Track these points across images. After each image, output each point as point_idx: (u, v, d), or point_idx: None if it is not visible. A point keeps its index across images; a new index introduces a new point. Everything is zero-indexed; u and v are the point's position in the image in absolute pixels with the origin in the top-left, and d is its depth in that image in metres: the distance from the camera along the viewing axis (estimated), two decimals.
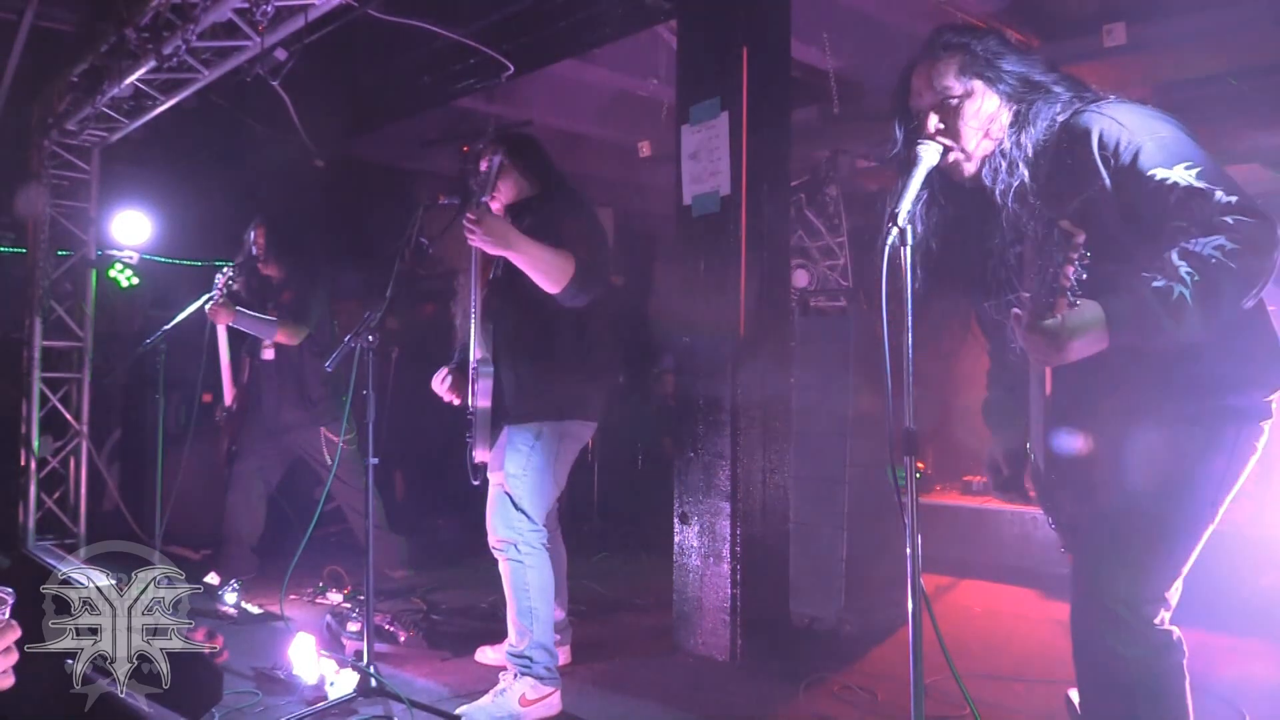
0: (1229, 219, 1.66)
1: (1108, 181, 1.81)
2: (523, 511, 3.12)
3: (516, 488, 3.13)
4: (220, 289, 4.63)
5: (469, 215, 2.90)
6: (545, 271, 2.98)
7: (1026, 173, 1.92)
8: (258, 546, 4.99)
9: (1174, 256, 1.66)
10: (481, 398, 3.13)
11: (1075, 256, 1.63)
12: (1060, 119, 1.91)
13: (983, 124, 1.99)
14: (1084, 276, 1.64)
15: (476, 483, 3.23)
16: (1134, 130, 1.81)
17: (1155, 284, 1.66)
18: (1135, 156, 1.78)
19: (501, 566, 3.19)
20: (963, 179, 2.03)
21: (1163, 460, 1.86)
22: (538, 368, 3.15)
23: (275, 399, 4.88)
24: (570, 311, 3.11)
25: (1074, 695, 2.26)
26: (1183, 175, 1.72)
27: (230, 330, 4.81)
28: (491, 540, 3.20)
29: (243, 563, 4.88)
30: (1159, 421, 1.86)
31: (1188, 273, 1.64)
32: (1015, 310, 1.79)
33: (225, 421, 5.06)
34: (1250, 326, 1.83)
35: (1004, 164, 1.95)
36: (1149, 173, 1.76)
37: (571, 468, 3.32)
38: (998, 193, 1.96)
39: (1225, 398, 1.84)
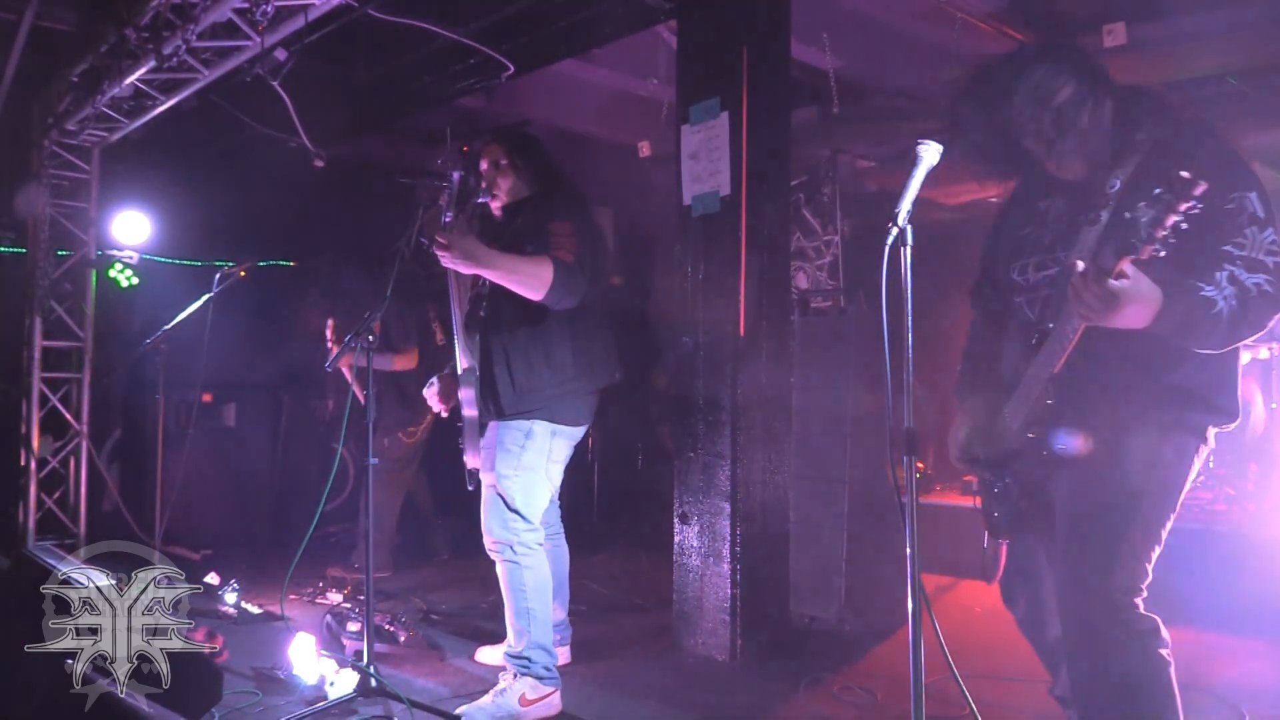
0: (1271, 261, 1.87)
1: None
2: (516, 512, 3.12)
3: (509, 488, 3.12)
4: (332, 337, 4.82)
5: (439, 239, 2.88)
6: (521, 283, 2.97)
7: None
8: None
9: (1223, 279, 1.85)
10: (467, 406, 3.14)
11: (1184, 208, 1.69)
12: (1149, 128, 2.04)
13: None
14: (1185, 227, 1.71)
15: (472, 488, 3.23)
16: (1228, 158, 1.98)
17: (1204, 293, 1.83)
18: (1230, 180, 1.92)
19: (498, 568, 3.18)
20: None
21: (1152, 458, 2.03)
22: (531, 368, 3.14)
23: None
24: (562, 312, 3.10)
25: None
26: (1255, 202, 1.91)
27: None
28: (487, 542, 3.20)
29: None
30: (1148, 426, 2.02)
31: (1231, 295, 1.84)
32: (1077, 261, 1.86)
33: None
34: (1228, 361, 2.04)
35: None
36: (1231, 194, 1.92)
37: (572, 467, 3.31)
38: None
39: (1196, 412, 2.05)
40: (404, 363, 5.06)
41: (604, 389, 3.32)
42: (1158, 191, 1.71)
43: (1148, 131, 2.04)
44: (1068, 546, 2.07)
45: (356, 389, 5.05)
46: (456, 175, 3.11)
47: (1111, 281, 1.75)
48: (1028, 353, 2.13)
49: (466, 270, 3.00)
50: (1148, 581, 2.02)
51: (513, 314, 3.11)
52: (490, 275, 2.98)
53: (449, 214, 3.03)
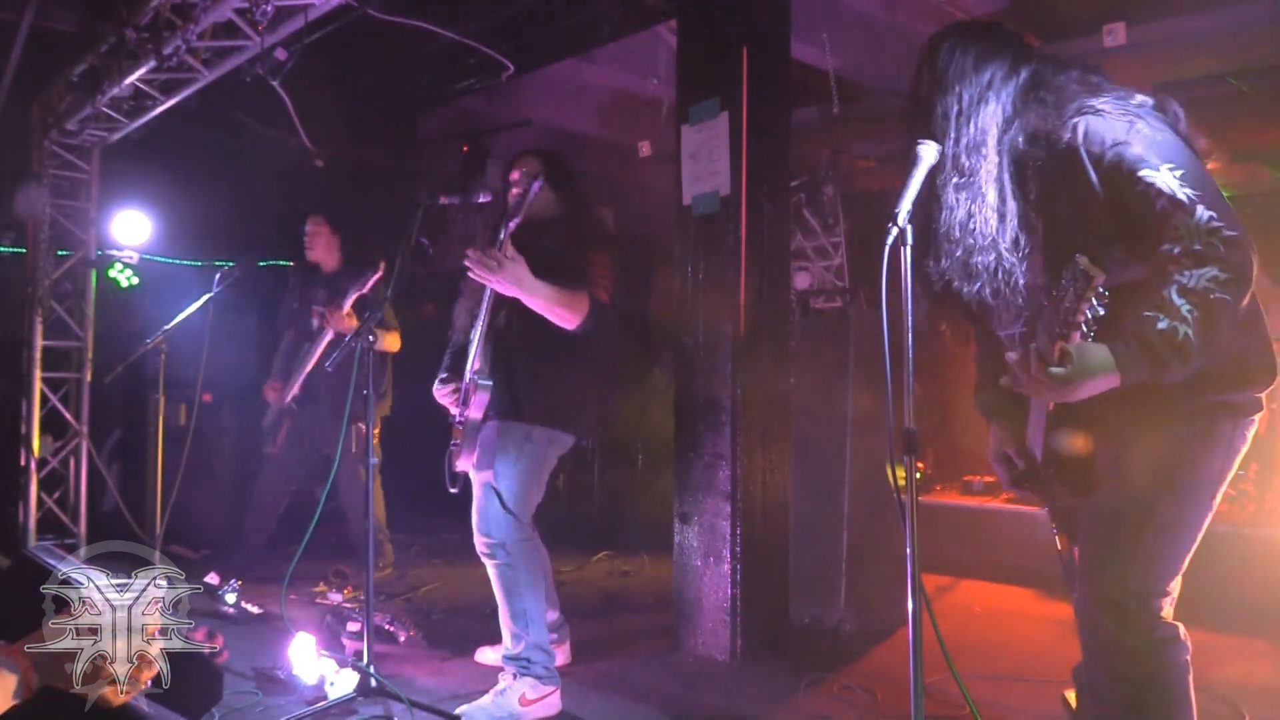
0: (1217, 245, 1.70)
1: (1095, 180, 1.84)
2: (511, 512, 3.12)
3: (507, 488, 3.12)
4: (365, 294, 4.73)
5: (489, 258, 2.89)
6: (558, 315, 3.03)
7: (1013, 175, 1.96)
8: (264, 546, 5.01)
9: (1174, 295, 1.70)
10: (475, 409, 3.13)
11: (1093, 297, 1.64)
12: (1051, 122, 1.92)
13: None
14: (1101, 313, 1.65)
15: (454, 490, 3.22)
16: (1119, 129, 1.83)
17: (1160, 325, 1.69)
18: (1121, 157, 1.81)
19: (490, 570, 3.18)
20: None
21: (1166, 456, 1.90)
22: (542, 377, 3.16)
23: (324, 393, 4.93)
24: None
25: (1070, 696, 2.27)
26: (1168, 179, 1.76)
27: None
28: (479, 543, 3.19)
29: (253, 556, 4.90)
30: (1161, 417, 1.90)
31: (1189, 311, 1.68)
32: (1012, 356, 1.79)
33: (282, 416, 5.08)
34: (1245, 324, 1.86)
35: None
36: (1137, 174, 1.79)
37: (572, 467, 3.32)
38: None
39: (1223, 394, 1.88)
40: (391, 343, 4.95)
41: (609, 406, 3.37)
42: (1065, 280, 1.64)
43: (1046, 112, 1.92)
44: (1084, 552, 2.01)
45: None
46: (536, 185, 3.11)
47: (1052, 369, 1.69)
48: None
49: (507, 292, 3.00)
50: (1173, 583, 1.91)
51: (532, 323, 3.11)
52: (530, 301, 3.00)
53: (515, 220, 3.06)
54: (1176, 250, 1.72)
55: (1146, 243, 1.78)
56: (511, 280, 2.92)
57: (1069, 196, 1.87)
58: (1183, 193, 1.73)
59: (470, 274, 2.97)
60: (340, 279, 4.95)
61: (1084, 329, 1.68)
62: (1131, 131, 1.82)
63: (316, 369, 4.91)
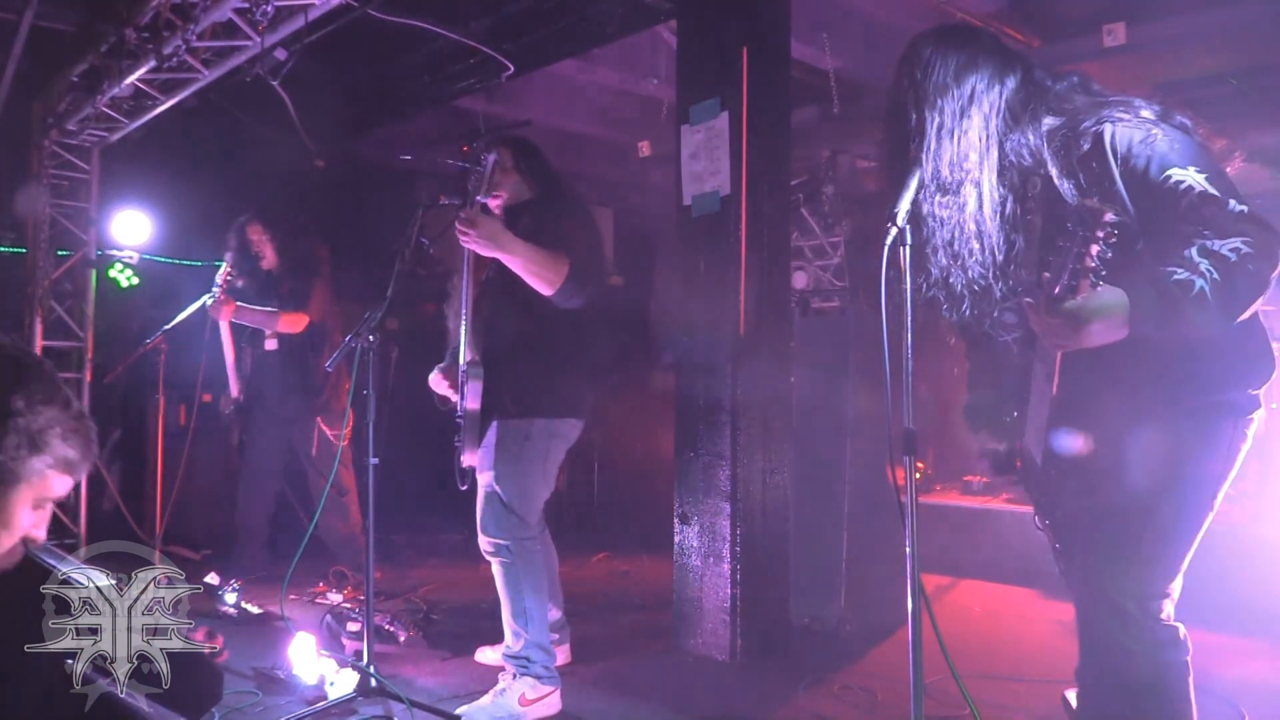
0: (1246, 226, 1.70)
1: (1120, 183, 1.84)
2: (513, 512, 3.12)
3: (506, 488, 3.12)
4: (221, 285, 4.65)
5: (463, 216, 2.90)
6: (539, 273, 3.00)
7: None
8: (263, 547, 5.00)
9: (1194, 253, 1.69)
10: (471, 400, 3.13)
11: (1102, 235, 1.60)
12: (1069, 128, 1.92)
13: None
14: (1109, 255, 1.62)
15: (464, 487, 3.22)
16: (1143, 134, 1.84)
17: (1177, 276, 1.68)
18: (1150, 159, 1.81)
19: (494, 569, 3.18)
20: None
21: (1164, 456, 1.89)
22: (533, 366, 3.15)
23: (278, 389, 4.89)
24: (565, 311, 3.12)
25: (1071, 696, 2.27)
26: (1195, 178, 1.76)
27: (234, 324, 4.83)
28: (482, 543, 3.19)
29: (253, 559, 4.88)
30: (1159, 418, 1.89)
31: (1208, 269, 1.67)
32: (1028, 300, 1.78)
33: (234, 415, 5.05)
34: (1242, 323, 1.85)
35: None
36: (1166, 172, 1.79)
37: (572, 467, 3.31)
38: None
39: (1222, 393, 1.89)
40: (290, 323, 4.80)
41: (602, 390, 3.34)
42: (1070, 226, 1.62)
43: (1054, 122, 1.93)
44: (1083, 554, 1.99)
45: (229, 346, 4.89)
46: (491, 158, 3.12)
47: (1066, 305, 1.67)
48: (1017, 375, 2.07)
49: (487, 253, 2.99)
50: (1172, 585, 1.90)
51: (517, 311, 3.12)
52: (510, 260, 2.99)
53: (480, 196, 3.07)
54: (1205, 229, 1.72)
55: (1169, 238, 1.77)
56: (488, 236, 2.92)
57: (1084, 202, 1.86)
58: (1213, 189, 1.74)
59: (462, 240, 2.96)
60: (282, 278, 4.94)
61: (1092, 278, 1.64)
62: (1155, 137, 1.83)
63: (255, 364, 4.93)
